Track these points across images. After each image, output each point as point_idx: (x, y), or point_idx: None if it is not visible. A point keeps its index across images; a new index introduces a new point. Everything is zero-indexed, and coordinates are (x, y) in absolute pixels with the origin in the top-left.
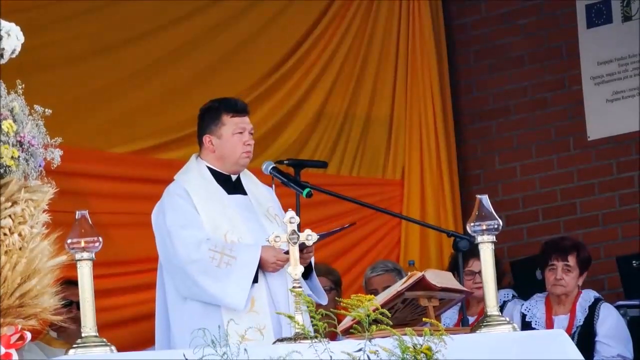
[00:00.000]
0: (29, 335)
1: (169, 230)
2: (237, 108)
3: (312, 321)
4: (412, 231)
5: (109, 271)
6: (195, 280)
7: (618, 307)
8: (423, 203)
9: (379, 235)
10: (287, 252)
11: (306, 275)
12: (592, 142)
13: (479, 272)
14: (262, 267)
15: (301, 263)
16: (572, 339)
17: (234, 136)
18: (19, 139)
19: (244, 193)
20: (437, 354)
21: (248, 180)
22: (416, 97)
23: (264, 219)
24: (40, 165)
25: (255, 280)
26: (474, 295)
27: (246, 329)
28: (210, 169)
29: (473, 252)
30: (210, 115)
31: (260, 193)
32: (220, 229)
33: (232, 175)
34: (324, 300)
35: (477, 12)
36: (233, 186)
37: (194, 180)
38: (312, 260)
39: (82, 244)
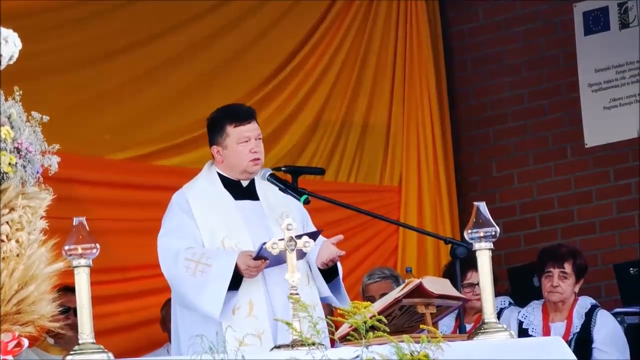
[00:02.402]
0: (26, 342)
1: (158, 239)
2: (239, 117)
3: (309, 327)
4: (409, 238)
5: (106, 278)
6: (177, 290)
7: (616, 314)
8: (420, 210)
9: (377, 242)
10: (257, 258)
11: (332, 276)
12: (589, 149)
13: (478, 284)
14: (240, 273)
15: (328, 264)
16: (569, 345)
17: (239, 146)
18: (16, 145)
19: (256, 198)
20: None
21: (263, 185)
22: (413, 104)
23: (274, 224)
24: (37, 172)
25: (236, 287)
26: (472, 306)
27: (244, 335)
28: (221, 176)
29: (470, 263)
30: (215, 127)
31: (276, 198)
32: (217, 235)
33: (242, 181)
34: (345, 303)
35: (475, 20)
36: (243, 192)
37: (199, 188)
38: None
39: (80, 251)
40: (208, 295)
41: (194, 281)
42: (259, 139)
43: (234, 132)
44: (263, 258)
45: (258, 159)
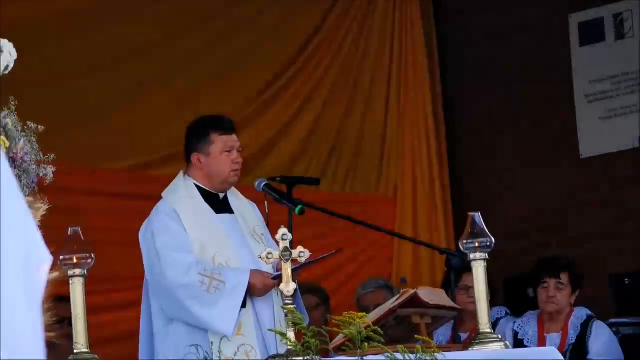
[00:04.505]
0: None
1: (158, 252)
2: (225, 126)
3: (303, 338)
4: (404, 248)
5: (101, 287)
6: (184, 305)
7: (610, 325)
8: (415, 220)
9: (371, 252)
10: (275, 278)
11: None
12: (584, 159)
13: (473, 287)
14: (250, 291)
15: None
16: (565, 357)
17: (222, 154)
18: (11, 155)
19: (231, 211)
20: None
21: (234, 197)
22: (409, 114)
23: (250, 238)
24: (33, 182)
25: (244, 305)
26: (468, 310)
27: (235, 352)
28: (199, 187)
29: (468, 266)
30: (198, 133)
31: (247, 211)
32: (208, 251)
33: (219, 194)
34: (306, 321)
35: (470, 30)
36: (221, 205)
37: (183, 200)
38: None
39: (75, 260)
40: (221, 312)
41: (207, 297)
42: (240, 151)
43: (219, 140)
44: (279, 278)
45: (238, 171)
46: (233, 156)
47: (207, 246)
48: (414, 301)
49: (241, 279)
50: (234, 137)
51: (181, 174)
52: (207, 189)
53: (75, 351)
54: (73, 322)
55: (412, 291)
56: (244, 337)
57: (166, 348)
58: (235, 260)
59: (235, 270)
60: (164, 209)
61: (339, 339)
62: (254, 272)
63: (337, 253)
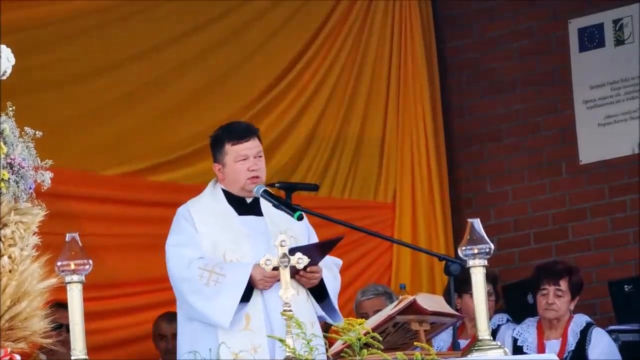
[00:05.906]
0: (18, 358)
1: (166, 250)
2: (238, 135)
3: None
4: (403, 255)
5: (99, 294)
6: (186, 299)
7: (610, 332)
8: (414, 226)
9: (370, 258)
10: (275, 269)
11: (321, 297)
12: (584, 166)
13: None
14: (253, 285)
15: (307, 284)
16: None
17: (237, 164)
18: (9, 161)
19: (260, 214)
20: None
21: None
22: (408, 120)
23: (276, 240)
24: (30, 188)
25: (247, 298)
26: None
27: (240, 349)
28: (226, 192)
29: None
30: (216, 145)
31: (280, 214)
32: (219, 248)
33: (246, 198)
34: (340, 320)
35: (470, 36)
36: (247, 207)
37: (201, 201)
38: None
39: (72, 267)
40: (220, 305)
41: (206, 290)
42: (259, 156)
43: (232, 150)
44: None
45: (257, 177)
46: (248, 164)
47: (219, 243)
48: (413, 308)
49: (242, 273)
50: (250, 143)
51: (212, 181)
52: (234, 193)
53: (72, 358)
54: (71, 328)
55: (411, 298)
56: (252, 332)
57: (183, 346)
58: (249, 258)
59: (237, 264)
60: (180, 211)
61: (338, 346)
62: (257, 265)
63: (340, 240)
